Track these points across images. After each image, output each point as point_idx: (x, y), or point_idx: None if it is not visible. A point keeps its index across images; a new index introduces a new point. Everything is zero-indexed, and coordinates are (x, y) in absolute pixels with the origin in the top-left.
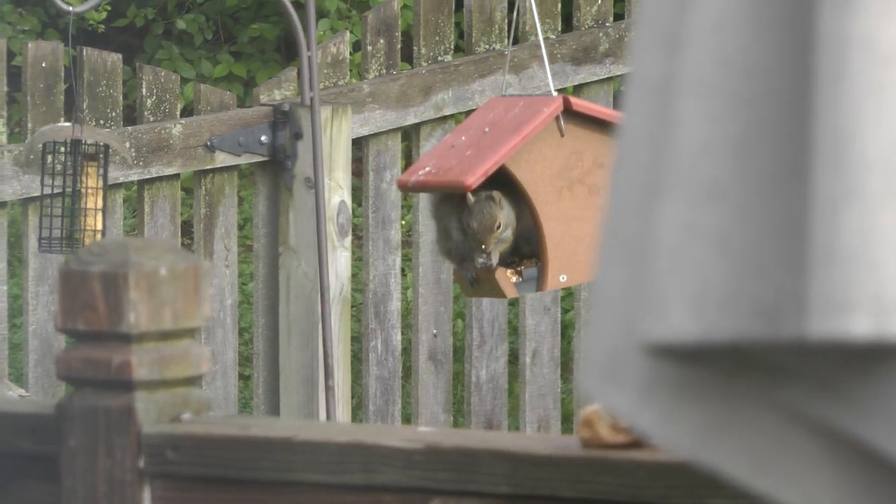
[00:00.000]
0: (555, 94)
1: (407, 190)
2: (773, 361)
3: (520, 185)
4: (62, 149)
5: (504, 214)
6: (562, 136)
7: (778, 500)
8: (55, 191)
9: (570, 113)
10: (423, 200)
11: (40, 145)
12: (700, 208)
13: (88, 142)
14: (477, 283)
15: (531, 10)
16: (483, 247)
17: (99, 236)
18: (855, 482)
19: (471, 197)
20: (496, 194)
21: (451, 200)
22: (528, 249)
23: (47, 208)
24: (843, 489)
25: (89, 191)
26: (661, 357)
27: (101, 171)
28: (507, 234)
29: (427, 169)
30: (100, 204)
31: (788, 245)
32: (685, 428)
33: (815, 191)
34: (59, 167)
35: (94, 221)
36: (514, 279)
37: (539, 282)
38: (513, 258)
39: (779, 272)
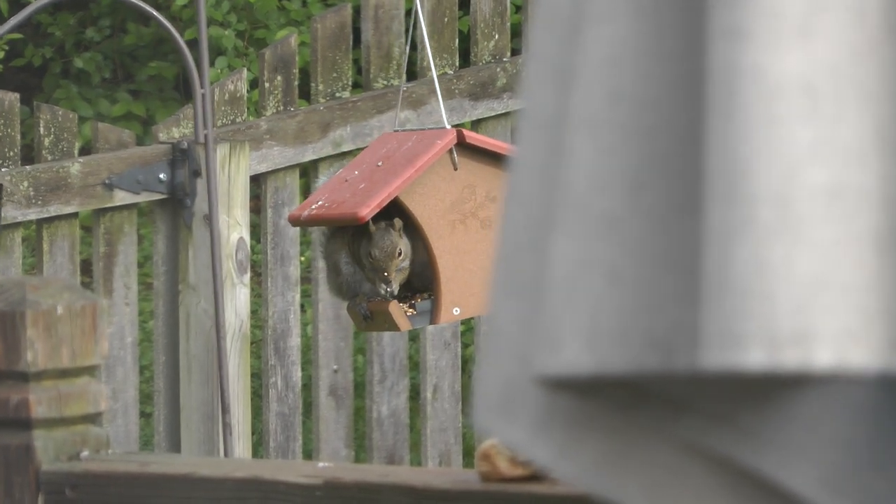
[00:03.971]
0: (448, 127)
1: (299, 224)
2: (668, 394)
3: (413, 218)
4: None
5: (404, 242)
6: (455, 169)
7: None
8: None
9: (463, 146)
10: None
11: None
12: (593, 242)
13: None
14: (371, 318)
15: (426, 45)
16: (385, 274)
17: None
18: None
19: (372, 225)
20: (397, 222)
21: (340, 236)
22: (420, 283)
23: None
24: None
25: None
26: (556, 390)
27: None
28: (406, 263)
29: (320, 203)
30: None
31: (681, 278)
32: (582, 461)
33: (708, 223)
34: None
35: None
36: (408, 312)
37: (432, 315)
38: (406, 292)
39: (672, 305)
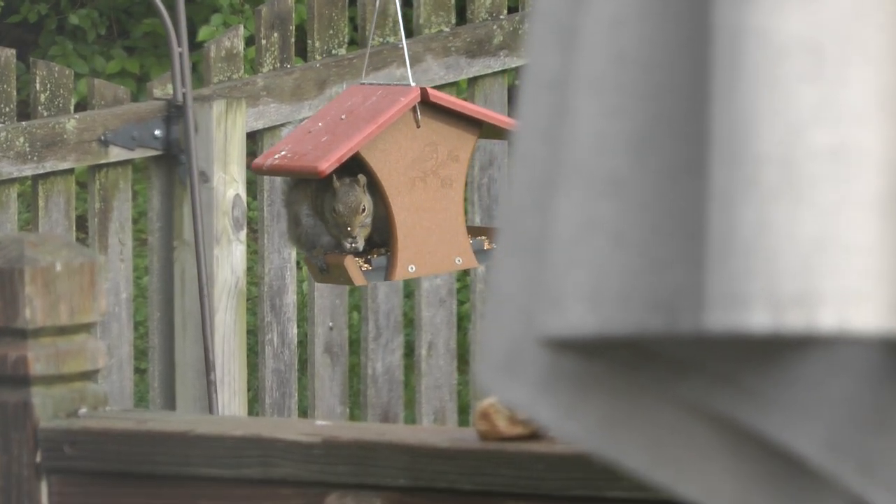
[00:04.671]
0: (413, 84)
1: (261, 173)
2: (672, 355)
3: (373, 173)
4: None
5: (368, 199)
6: (418, 126)
7: (677, 492)
8: None
9: (427, 104)
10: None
11: None
12: (597, 203)
13: None
14: (326, 270)
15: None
16: (349, 229)
17: None
18: (754, 474)
19: (336, 181)
20: (361, 178)
21: (302, 187)
22: (378, 238)
23: None
24: (743, 481)
25: None
26: (559, 351)
27: None
28: (370, 220)
29: (282, 153)
30: None
31: (686, 239)
32: (585, 421)
33: (712, 184)
34: None
35: None
36: (363, 267)
37: (388, 271)
38: (363, 247)
39: (676, 266)
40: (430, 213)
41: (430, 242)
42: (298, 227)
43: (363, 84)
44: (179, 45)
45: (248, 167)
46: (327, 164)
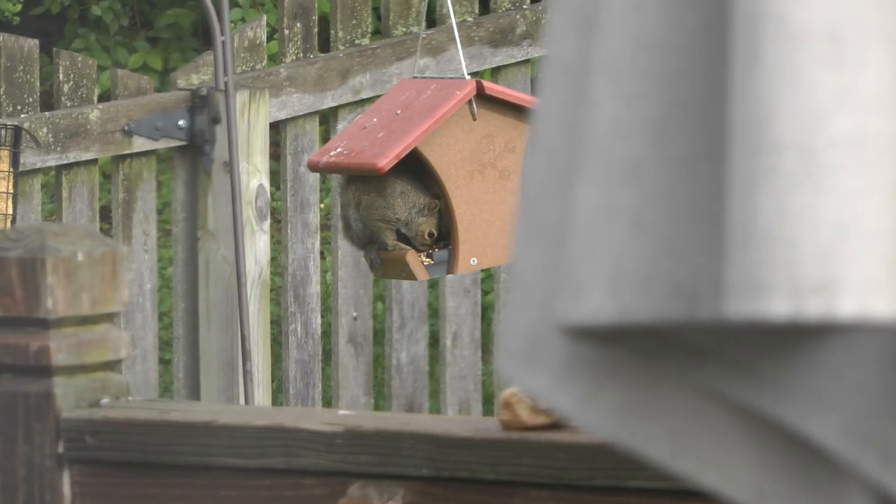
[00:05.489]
0: (468, 77)
1: (318, 170)
2: (691, 343)
3: (432, 168)
4: None
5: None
6: (474, 119)
7: (698, 480)
8: None
9: (482, 97)
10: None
11: None
12: (616, 189)
13: None
14: (387, 265)
15: None
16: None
17: (9, 221)
18: (774, 463)
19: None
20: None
21: (348, 189)
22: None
23: None
24: (763, 470)
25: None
26: (579, 339)
27: (12, 155)
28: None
29: (338, 150)
30: (10, 188)
31: (705, 226)
32: (605, 409)
33: (732, 172)
34: None
35: (5, 206)
36: (425, 262)
37: (450, 265)
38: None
39: (696, 253)
40: (490, 205)
41: (491, 234)
42: (350, 231)
43: (416, 77)
44: (222, 33)
45: (272, 157)
46: (386, 161)
